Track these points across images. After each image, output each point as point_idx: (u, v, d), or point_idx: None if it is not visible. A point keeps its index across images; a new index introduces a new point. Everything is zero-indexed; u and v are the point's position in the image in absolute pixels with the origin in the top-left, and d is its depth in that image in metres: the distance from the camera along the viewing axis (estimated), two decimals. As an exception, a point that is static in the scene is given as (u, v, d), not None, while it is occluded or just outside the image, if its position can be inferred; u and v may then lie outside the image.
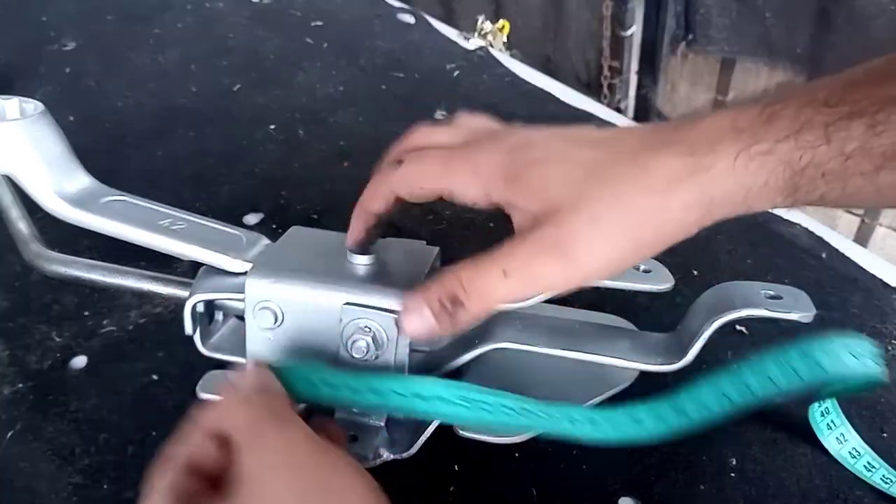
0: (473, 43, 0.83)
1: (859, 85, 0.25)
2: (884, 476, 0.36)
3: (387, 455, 0.35)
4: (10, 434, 0.39)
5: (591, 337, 0.37)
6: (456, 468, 0.37)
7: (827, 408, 0.38)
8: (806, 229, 0.54)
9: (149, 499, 0.26)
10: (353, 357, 0.33)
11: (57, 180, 0.35)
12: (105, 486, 0.37)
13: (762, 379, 0.28)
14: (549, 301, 0.32)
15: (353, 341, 0.33)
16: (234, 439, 0.26)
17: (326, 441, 0.27)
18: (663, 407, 0.30)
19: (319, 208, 0.56)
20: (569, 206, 0.28)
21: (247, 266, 0.35)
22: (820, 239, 0.53)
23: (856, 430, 0.37)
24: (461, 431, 0.37)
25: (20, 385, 0.42)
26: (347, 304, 0.33)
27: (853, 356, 0.28)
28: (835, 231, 0.55)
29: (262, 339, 0.35)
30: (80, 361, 0.43)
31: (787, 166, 0.25)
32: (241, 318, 0.36)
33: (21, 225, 0.38)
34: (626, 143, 0.29)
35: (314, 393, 0.31)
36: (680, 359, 0.34)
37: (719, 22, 1.17)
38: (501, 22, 1.08)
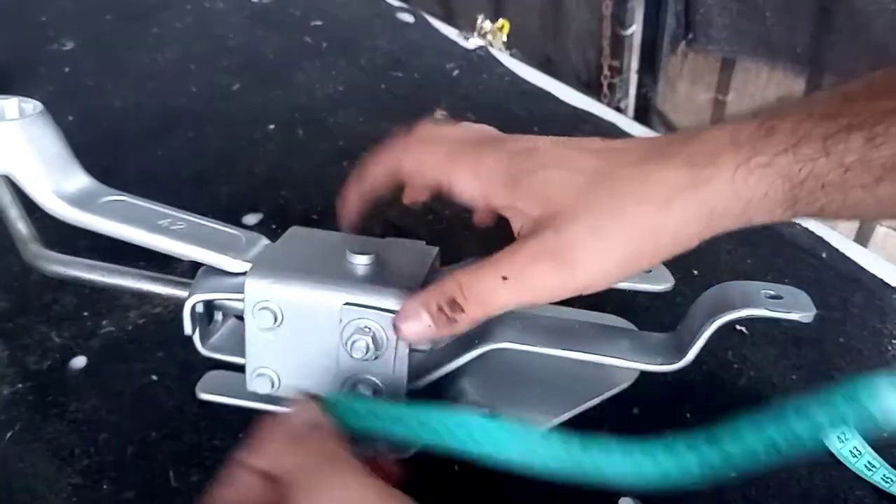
0: (473, 42, 0.83)
1: (858, 97, 0.25)
2: (884, 476, 0.36)
3: (387, 455, 0.35)
4: (9, 435, 0.39)
5: (591, 337, 0.36)
6: (456, 468, 0.37)
7: None
8: (806, 229, 0.54)
9: None
10: (352, 357, 0.33)
11: (56, 180, 0.35)
12: (104, 487, 0.36)
13: (809, 425, 0.25)
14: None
15: (353, 341, 0.33)
16: (285, 482, 0.25)
17: (382, 480, 0.26)
18: (704, 447, 0.28)
19: (319, 208, 0.56)
20: (570, 212, 0.28)
21: (246, 266, 0.35)
22: (820, 238, 0.53)
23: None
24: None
25: (19, 385, 0.42)
26: (347, 304, 0.33)
27: None
28: (835, 231, 0.55)
29: (261, 340, 0.35)
30: (79, 362, 0.43)
31: (787, 179, 0.25)
32: (240, 318, 0.36)
33: (20, 225, 0.38)
34: (628, 153, 0.29)
35: (362, 425, 0.30)
36: (680, 359, 0.34)
37: (719, 21, 1.17)
38: (501, 21, 1.08)
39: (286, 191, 0.58)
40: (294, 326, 0.34)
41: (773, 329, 0.45)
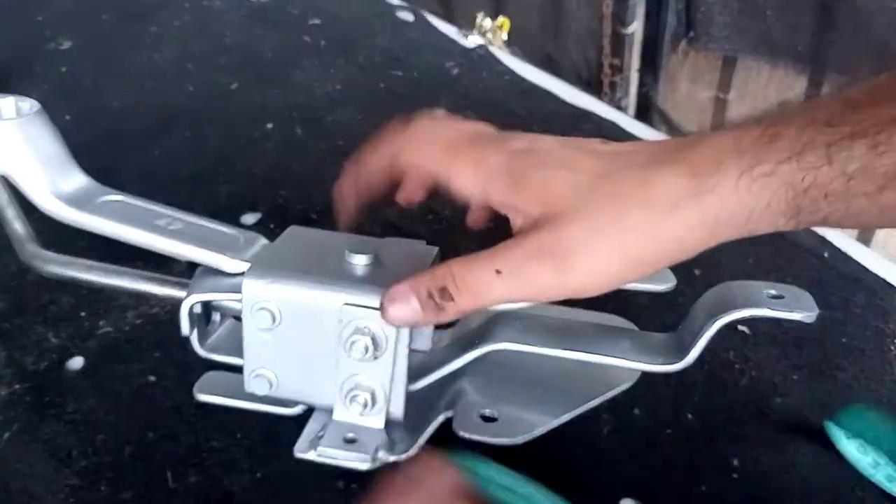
0: (473, 41, 0.83)
1: (861, 105, 0.25)
2: (889, 475, 0.36)
3: (386, 457, 0.34)
4: (6, 436, 0.39)
5: (592, 337, 0.36)
6: (456, 469, 0.37)
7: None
8: (808, 228, 0.54)
9: None
10: (351, 357, 0.33)
11: (53, 180, 0.35)
12: (102, 488, 0.36)
13: None
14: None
15: (352, 342, 0.33)
16: None
17: None
18: None
19: (318, 208, 0.56)
20: (570, 212, 0.27)
21: (244, 266, 0.35)
22: (822, 238, 0.53)
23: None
24: (461, 432, 0.36)
25: (17, 386, 0.42)
26: (346, 304, 0.33)
27: None
28: (837, 230, 0.54)
29: (259, 340, 0.34)
30: (76, 362, 0.43)
31: (790, 187, 0.25)
32: (238, 318, 0.36)
33: (17, 225, 0.38)
34: (632, 157, 0.29)
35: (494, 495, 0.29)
36: (681, 359, 0.34)
37: (720, 20, 1.17)
38: (501, 19, 1.08)
39: (285, 190, 0.58)
40: (292, 327, 0.34)
41: (774, 329, 0.45)
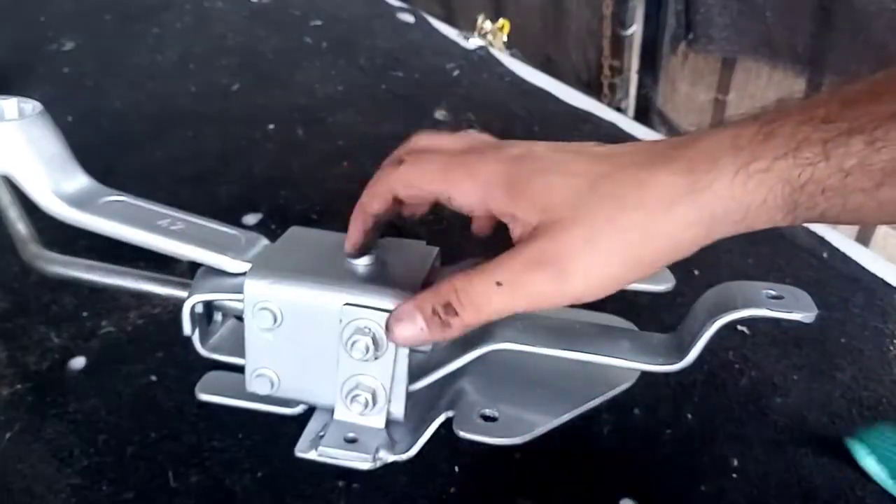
0: (473, 42, 0.83)
1: (857, 101, 0.25)
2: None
3: (387, 456, 0.35)
4: (8, 435, 0.39)
5: (592, 337, 0.36)
6: (456, 469, 0.37)
7: None
8: (807, 229, 0.54)
9: None
10: (352, 357, 0.33)
11: (55, 180, 0.35)
12: (104, 488, 0.36)
13: None
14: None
15: (353, 342, 0.33)
16: None
17: None
18: None
19: (319, 208, 0.56)
20: (568, 219, 0.28)
21: (246, 266, 0.35)
22: (821, 238, 0.53)
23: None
24: (461, 432, 0.36)
25: (19, 386, 0.42)
26: (347, 304, 0.33)
27: None
28: (836, 230, 0.55)
29: (261, 340, 0.35)
30: (78, 362, 0.43)
31: (787, 183, 0.25)
32: (240, 318, 0.36)
33: (19, 225, 0.38)
34: (628, 157, 0.29)
35: None
36: (681, 359, 0.34)
37: (720, 21, 1.17)
38: (501, 21, 1.08)
39: (286, 191, 0.58)
40: (294, 327, 0.34)
41: (774, 329, 0.45)
